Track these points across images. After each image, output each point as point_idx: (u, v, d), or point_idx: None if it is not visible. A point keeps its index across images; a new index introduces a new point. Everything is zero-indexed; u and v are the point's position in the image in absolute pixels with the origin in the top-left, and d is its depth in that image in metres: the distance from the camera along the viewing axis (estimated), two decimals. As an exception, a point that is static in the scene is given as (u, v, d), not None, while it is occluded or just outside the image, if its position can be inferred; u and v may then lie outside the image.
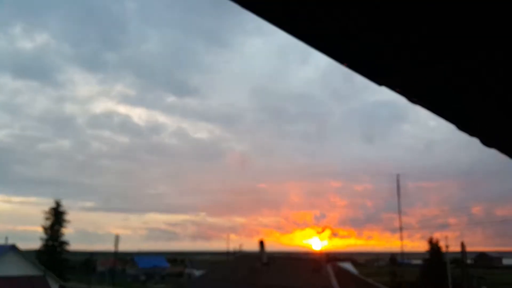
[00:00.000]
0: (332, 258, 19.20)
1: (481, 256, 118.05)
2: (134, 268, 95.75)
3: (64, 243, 58.86)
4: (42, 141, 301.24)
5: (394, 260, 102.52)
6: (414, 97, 1.62)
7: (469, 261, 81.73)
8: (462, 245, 36.10)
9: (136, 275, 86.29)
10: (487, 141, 2.29)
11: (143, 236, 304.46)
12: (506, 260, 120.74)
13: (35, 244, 60.83)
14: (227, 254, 66.51)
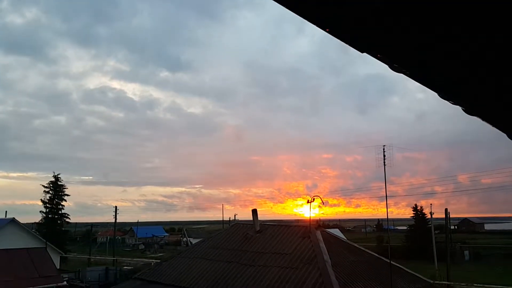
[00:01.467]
0: (321, 225, 20.84)
1: (464, 222, 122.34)
2: (133, 238, 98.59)
3: (64, 215, 60.64)
4: (37, 117, 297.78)
5: (380, 226, 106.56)
6: (395, 64, 1.64)
7: (452, 227, 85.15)
8: (446, 212, 38.17)
9: (135, 245, 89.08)
10: (470, 109, 2.33)
11: (141, 208, 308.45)
12: (488, 226, 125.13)
13: (35, 217, 62.52)
14: (222, 223, 68.61)
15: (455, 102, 2.22)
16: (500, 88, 2.31)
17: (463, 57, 1.63)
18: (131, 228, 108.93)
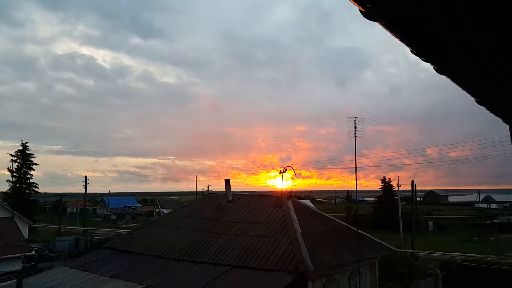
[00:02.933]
0: (293, 195, 21.14)
1: (430, 194, 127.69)
2: (105, 208, 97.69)
3: (33, 185, 59.17)
4: (3, 83, 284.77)
5: (350, 198, 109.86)
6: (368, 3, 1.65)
7: (418, 199, 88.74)
8: (412, 184, 39.53)
9: (107, 215, 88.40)
10: (440, 68, 2.36)
11: (113, 179, 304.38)
12: (451, 198, 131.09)
13: (2, 187, 60.93)
14: (195, 194, 68.77)
15: (427, 59, 2.26)
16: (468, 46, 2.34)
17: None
18: (102, 198, 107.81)
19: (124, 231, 39.01)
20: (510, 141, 4.26)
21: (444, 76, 2.47)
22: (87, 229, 49.98)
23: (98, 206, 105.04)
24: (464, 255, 29.66)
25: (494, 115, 3.65)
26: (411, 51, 2.11)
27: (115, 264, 15.67)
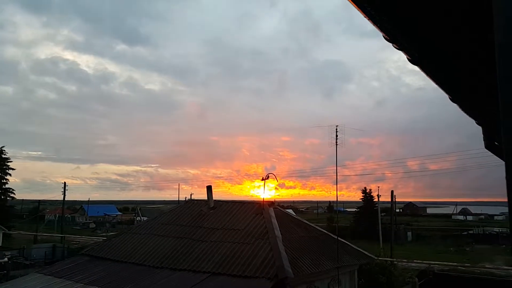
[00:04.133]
0: (275, 205, 21.18)
1: (409, 206, 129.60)
2: (84, 216, 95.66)
3: (9, 190, 57.56)
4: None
5: (331, 208, 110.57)
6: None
7: (397, 210, 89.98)
8: (392, 195, 40.05)
9: (86, 223, 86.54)
10: (413, 58, 2.46)
11: (93, 186, 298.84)
12: (429, 210, 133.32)
13: (-23, 192, 58.93)
14: (178, 203, 68.06)
15: (400, 47, 2.35)
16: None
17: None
18: (81, 206, 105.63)
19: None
20: (484, 143, 4.38)
21: (418, 67, 2.58)
22: (64, 237, 48.81)
23: (77, 214, 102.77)
24: (441, 264, 30.15)
25: (468, 116, 3.77)
26: (384, 36, 2.18)
27: (91, 271, 15.34)
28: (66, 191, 55.16)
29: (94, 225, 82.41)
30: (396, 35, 2.27)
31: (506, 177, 1.03)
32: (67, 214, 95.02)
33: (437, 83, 3.21)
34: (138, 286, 13.18)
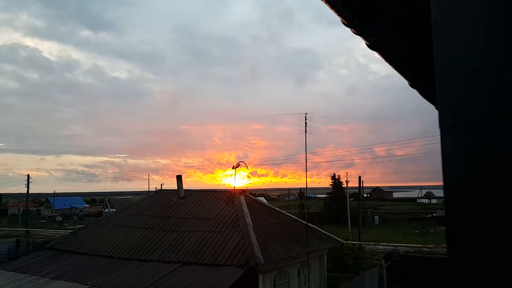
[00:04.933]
0: (247, 192, 21.19)
1: (376, 190, 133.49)
2: (50, 209, 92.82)
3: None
4: None
5: (302, 195, 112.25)
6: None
7: (365, 195, 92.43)
8: (359, 180, 40.97)
9: (52, 216, 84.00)
10: (371, 43, 2.51)
11: (59, 178, 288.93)
12: (396, 194, 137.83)
13: None
14: (148, 193, 66.99)
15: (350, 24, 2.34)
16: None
17: None
18: (47, 199, 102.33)
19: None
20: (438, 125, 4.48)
21: (376, 52, 2.58)
22: (29, 231, 47.19)
23: (43, 207, 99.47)
24: (407, 246, 31.27)
25: (427, 101, 3.82)
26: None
27: (57, 265, 14.91)
28: (30, 183, 53.27)
29: (61, 218, 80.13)
30: (353, 20, 2.24)
31: (442, 153, 1.09)
32: (32, 208, 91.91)
33: (395, 68, 3.22)
34: (105, 278, 12.92)
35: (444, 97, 1.10)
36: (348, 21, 2.31)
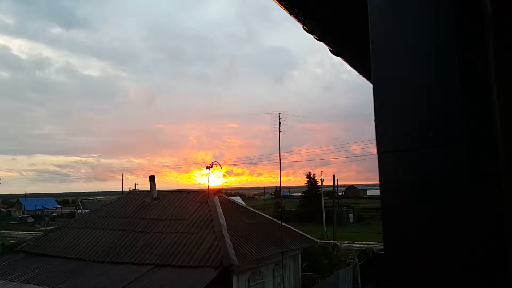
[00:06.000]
0: (222, 192, 21.13)
1: (350, 189, 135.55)
2: (21, 210, 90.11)
3: None
4: None
5: (278, 194, 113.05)
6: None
7: (340, 193, 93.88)
8: (334, 178, 41.51)
9: (23, 217, 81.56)
10: (332, 49, 2.56)
11: (30, 179, 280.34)
12: (370, 192, 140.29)
13: None
14: (121, 193, 65.91)
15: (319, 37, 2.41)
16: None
17: None
18: (18, 200, 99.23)
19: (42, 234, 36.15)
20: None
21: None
22: (-2, 233, 45.73)
23: (14, 208, 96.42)
24: (380, 244, 31.86)
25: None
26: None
27: (27, 269, 14.54)
28: (0, 184, 51.55)
29: (32, 219, 77.91)
30: (312, 28, 2.30)
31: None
32: (3, 209, 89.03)
33: (360, 73, 3.30)
34: (76, 282, 12.69)
35: (380, 123, 1.17)
36: (308, 28, 2.37)
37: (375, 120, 1.20)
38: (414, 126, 1.09)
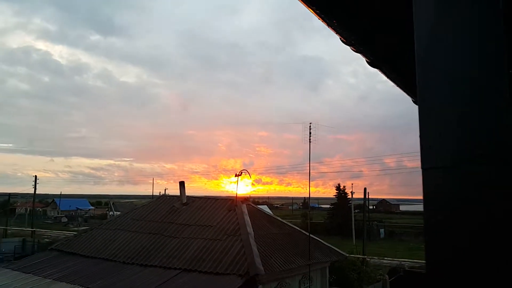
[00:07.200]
0: (249, 200, 21.14)
1: (382, 203, 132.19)
2: (56, 210, 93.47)
3: (-24, 183, 55.70)
4: None
5: (306, 204, 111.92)
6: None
7: (371, 207, 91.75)
8: (365, 191, 40.68)
9: (58, 217, 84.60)
10: (370, 61, 2.61)
11: (66, 180, 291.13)
12: (403, 207, 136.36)
13: None
14: (152, 197, 67.12)
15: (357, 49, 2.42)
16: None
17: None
18: (53, 200, 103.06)
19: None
20: None
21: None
22: (34, 231, 47.57)
23: (49, 208, 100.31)
24: (412, 262, 30.87)
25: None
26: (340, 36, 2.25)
27: (60, 267, 15.00)
28: (37, 184, 53.77)
29: (66, 219, 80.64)
30: (350, 39, 2.29)
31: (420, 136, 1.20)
32: (39, 208, 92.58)
33: (397, 85, 3.24)
34: (106, 282, 12.96)
35: (425, 139, 1.17)
36: (346, 40, 2.37)
37: (420, 136, 1.19)
38: (461, 143, 1.10)
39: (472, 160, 1.05)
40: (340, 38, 2.37)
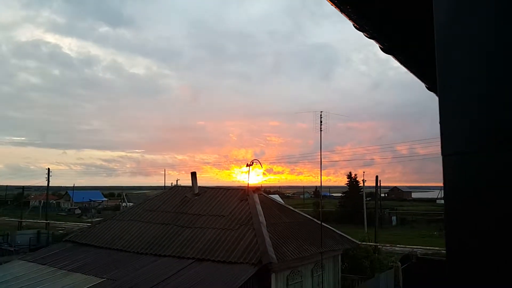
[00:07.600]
0: (261, 190, 21.15)
1: (394, 190, 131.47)
2: (69, 202, 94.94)
3: (-8, 177, 56.72)
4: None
5: (318, 193, 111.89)
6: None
7: (383, 195, 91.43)
8: (376, 179, 40.44)
9: (71, 209, 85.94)
10: (383, 47, 2.55)
11: (78, 172, 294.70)
12: (415, 194, 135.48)
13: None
14: (164, 188, 67.65)
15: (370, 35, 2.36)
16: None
17: None
18: (66, 192, 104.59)
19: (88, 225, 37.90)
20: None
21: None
22: (48, 223, 48.39)
23: (62, 200, 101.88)
24: (424, 249, 30.79)
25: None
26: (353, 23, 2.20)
27: (75, 258, 15.26)
28: (50, 177, 54.56)
29: (80, 211, 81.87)
30: (363, 25, 2.24)
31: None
32: (52, 200, 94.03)
33: (411, 72, 3.18)
34: (121, 272, 13.16)
35: (447, 125, 1.16)
36: (359, 26, 2.32)
37: (440, 122, 1.16)
38: (482, 128, 1.07)
39: (494, 146, 1.04)
40: (353, 24, 2.32)
